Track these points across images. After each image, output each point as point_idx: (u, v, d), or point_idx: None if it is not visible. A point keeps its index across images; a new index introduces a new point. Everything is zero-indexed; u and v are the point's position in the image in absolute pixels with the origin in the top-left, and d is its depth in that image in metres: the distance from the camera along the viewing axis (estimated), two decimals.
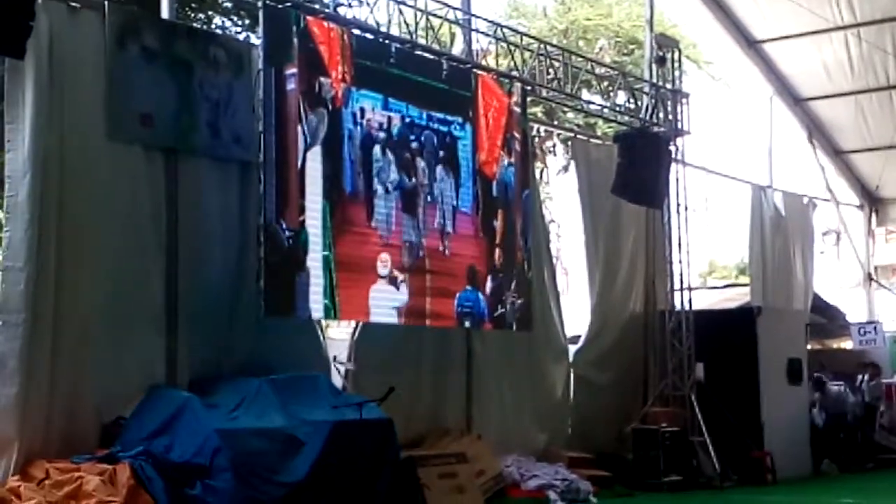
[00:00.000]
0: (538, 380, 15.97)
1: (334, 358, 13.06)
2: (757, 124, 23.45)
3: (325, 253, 11.89)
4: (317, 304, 11.81)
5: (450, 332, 14.25)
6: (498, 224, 14.33)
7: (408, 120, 13.14)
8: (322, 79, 12.05)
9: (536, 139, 25.86)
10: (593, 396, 16.80)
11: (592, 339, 17.08)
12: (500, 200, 14.41)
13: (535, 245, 15.29)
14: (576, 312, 17.79)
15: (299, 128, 11.70)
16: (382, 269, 12.67)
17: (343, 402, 11.18)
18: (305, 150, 11.76)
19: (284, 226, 11.42)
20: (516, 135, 14.75)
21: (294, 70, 11.66)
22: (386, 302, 12.76)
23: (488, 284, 14.12)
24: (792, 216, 21.79)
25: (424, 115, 13.41)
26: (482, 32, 15.12)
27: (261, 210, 11.24)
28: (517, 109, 14.79)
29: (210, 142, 11.68)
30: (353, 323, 13.53)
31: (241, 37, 17.86)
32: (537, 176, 22.41)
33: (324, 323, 13.25)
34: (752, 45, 21.89)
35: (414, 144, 13.21)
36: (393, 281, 12.82)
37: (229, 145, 11.83)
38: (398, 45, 13.15)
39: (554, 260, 17.91)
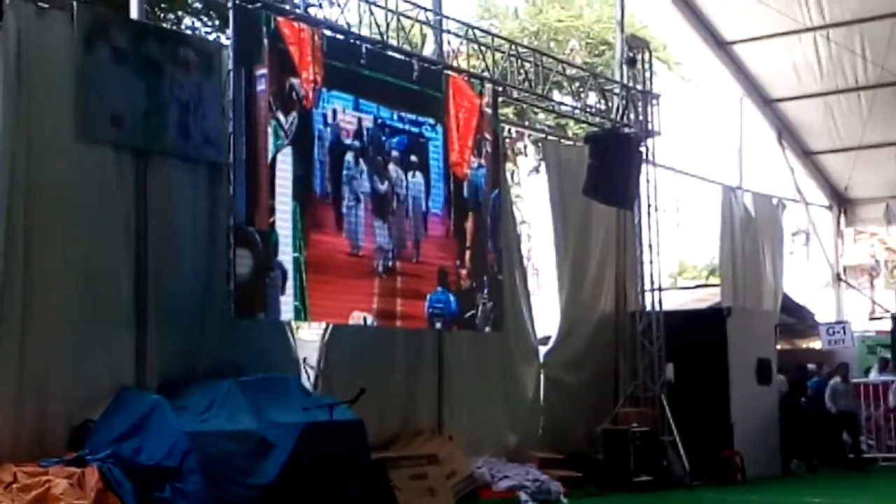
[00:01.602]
0: (509, 381, 15.99)
1: (304, 359, 13.04)
2: (727, 125, 23.60)
3: (296, 254, 11.86)
4: (287, 305, 11.78)
5: (421, 333, 14.25)
6: (469, 225, 14.34)
7: (379, 121, 13.13)
8: (292, 79, 12.01)
9: (507, 140, 25.87)
10: (564, 397, 16.84)
11: (563, 340, 17.12)
12: (470, 202, 14.42)
13: (505, 246, 15.31)
14: (547, 313, 17.81)
15: (269, 128, 11.67)
16: (353, 271, 12.63)
17: (314, 404, 11.14)
18: (276, 151, 11.73)
19: (255, 227, 11.37)
20: (487, 136, 14.76)
21: (264, 71, 11.63)
22: (356, 304, 12.73)
23: (459, 286, 14.10)
24: (762, 217, 21.90)
25: (396, 116, 13.39)
26: (453, 33, 15.13)
27: (230, 211, 11.20)
28: (488, 111, 14.81)
29: (180, 142, 11.63)
30: (323, 324, 13.50)
31: (212, 37, 17.86)
32: (508, 177, 22.40)
33: (294, 324, 13.21)
34: (721, 46, 22.00)
35: (385, 148, 13.18)
36: (363, 283, 12.78)
37: (199, 146, 11.79)
38: (369, 46, 13.13)
39: (525, 261, 17.92)
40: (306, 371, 13.00)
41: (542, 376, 16.62)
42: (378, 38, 13.40)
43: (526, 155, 32.10)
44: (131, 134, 11.20)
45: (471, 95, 14.57)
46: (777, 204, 23.01)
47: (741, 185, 21.74)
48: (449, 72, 14.53)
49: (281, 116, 11.80)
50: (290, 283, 11.75)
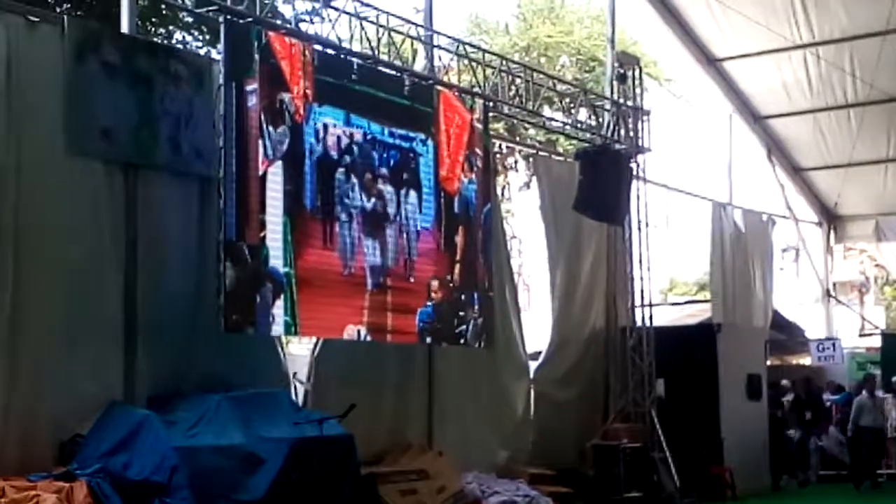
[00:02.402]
0: (499, 396, 15.97)
1: (294, 374, 12.99)
2: (717, 142, 23.64)
3: (287, 269, 11.84)
4: (277, 320, 11.74)
5: (411, 348, 14.23)
6: (459, 240, 14.33)
7: (370, 136, 13.11)
8: (283, 94, 12.00)
9: (498, 155, 25.92)
10: (554, 412, 16.81)
11: (553, 356, 17.10)
12: (461, 216, 14.41)
13: (496, 261, 15.30)
14: (537, 329, 17.81)
15: (260, 143, 11.65)
16: (344, 287, 12.60)
17: (303, 419, 11.11)
18: (266, 166, 11.72)
19: (245, 241, 11.34)
20: (478, 151, 14.76)
21: (255, 85, 11.62)
22: (348, 318, 12.69)
23: (449, 301, 14.08)
24: (751, 233, 21.94)
25: (386, 132, 13.38)
26: (444, 49, 15.13)
27: (221, 225, 11.18)
28: (479, 126, 14.82)
29: (170, 157, 11.60)
30: (313, 339, 13.47)
31: (202, 52, 17.83)
32: (499, 192, 22.40)
33: (284, 339, 13.18)
34: (712, 62, 22.05)
35: (376, 163, 13.16)
36: (354, 298, 12.75)
37: (190, 160, 11.75)
38: (360, 62, 13.13)
39: (515, 276, 17.92)
40: (296, 386, 12.96)
41: (532, 392, 16.60)
42: (369, 53, 13.40)
43: (517, 170, 32.17)
44: (121, 148, 11.16)
45: (461, 111, 14.57)
46: (767, 220, 23.06)
47: (731, 201, 21.78)
48: (440, 87, 14.53)
49: (272, 131, 11.79)
50: (280, 298, 11.72)
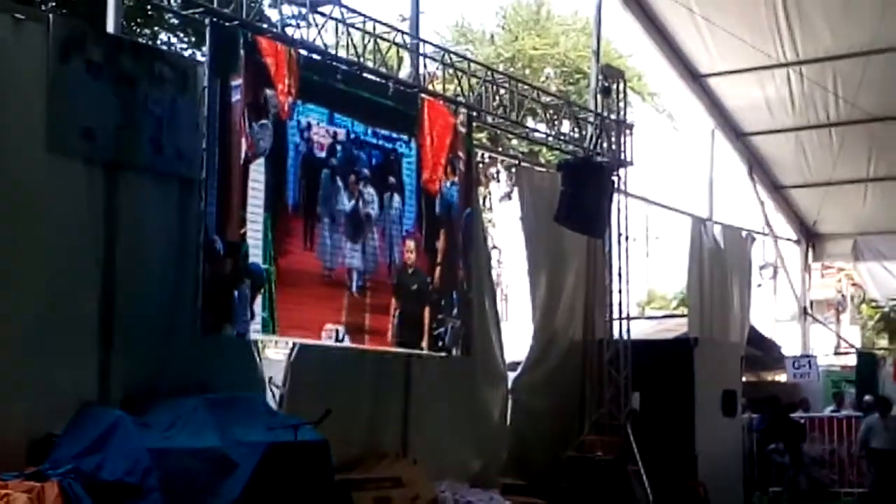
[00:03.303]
0: (476, 404, 15.95)
1: (270, 379, 12.94)
2: (699, 157, 23.73)
3: (266, 266, 11.76)
4: (256, 318, 11.63)
5: (388, 355, 14.18)
6: (440, 243, 14.28)
7: (353, 136, 13.02)
8: (267, 90, 11.91)
9: (480, 165, 25.94)
10: (530, 423, 16.81)
11: (532, 366, 17.10)
12: (442, 219, 14.33)
13: (476, 267, 15.26)
14: (516, 339, 17.81)
15: (243, 139, 11.58)
16: (324, 287, 12.55)
17: (279, 424, 11.06)
18: (248, 162, 11.64)
19: (224, 239, 11.25)
20: (461, 154, 14.69)
21: (239, 81, 11.52)
22: (327, 317, 12.61)
23: (428, 302, 14.05)
24: (730, 249, 21.98)
25: (370, 132, 13.32)
26: (429, 57, 15.12)
27: (202, 226, 11.12)
28: (462, 129, 14.75)
29: (152, 157, 11.54)
30: (289, 344, 13.43)
31: (188, 54, 17.79)
32: (480, 202, 22.39)
33: (261, 343, 13.12)
34: (696, 78, 22.16)
35: (359, 164, 13.11)
36: (334, 299, 12.69)
37: (172, 161, 11.70)
38: (345, 67, 13.11)
39: (495, 285, 17.92)
40: (272, 390, 12.91)
41: (509, 401, 16.59)
42: (355, 59, 13.38)
43: (498, 181, 32.22)
44: (103, 147, 11.09)
45: (445, 113, 14.54)
46: (746, 237, 23.12)
47: (711, 216, 21.85)
48: (424, 95, 14.52)
49: (255, 127, 11.73)
50: (259, 295, 11.64)
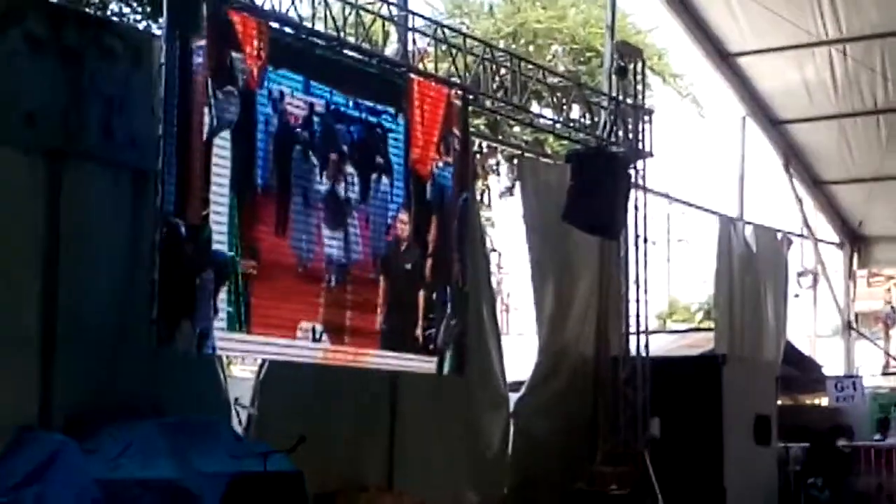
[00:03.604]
0: (472, 430, 15.95)
1: (236, 400, 12.92)
2: (728, 148, 23.79)
3: (232, 254, 11.65)
4: (220, 312, 11.49)
5: (371, 372, 14.16)
6: (431, 232, 14.22)
7: (332, 107, 12.90)
8: (234, 53, 11.76)
9: (478, 156, 25.93)
10: (535, 451, 16.81)
11: (537, 386, 17.11)
12: (434, 204, 14.23)
13: (472, 259, 15.15)
14: (517, 356, 17.79)
15: (206, 109, 11.43)
16: (299, 278, 12.49)
17: (245, 452, 11.05)
18: (211, 136, 11.50)
19: (185, 221, 11.13)
20: (455, 132, 14.55)
21: (202, 43, 11.37)
22: (302, 314, 12.55)
23: (419, 298, 14.02)
24: (764, 253, 22.00)
25: (351, 103, 13.17)
26: (420, 31, 15.13)
27: (156, 222, 11.04)
28: (457, 102, 14.62)
29: (102, 144, 11.53)
30: (258, 360, 13.41)
31: (142, 26, 17.76)
32: (478, 198, 22.39)
33: (225, 358, 13.08)
34: (724, 58, 22.13)
35: (338, 140, 12.99)
36: (310, 291, 12.63)
37: (124, 149, 11.68)
38: (322, 43, 13.07)
39: (494, 292, 17.92)
40: (238, 413, 12.89)
41: (510, 427, 16.58)
42: (334, 34, 13.34)
43: (498, 174, 32.17)
44: (46, 133, 11.07)
45: (437, 85, 14.50)
46: (782, 239, 23.15)
47: (742, 216, 21.89)
48: (413, 76, 14.49)
49: (220, 95, 11.64)
50: (223, 287, 11.53)
